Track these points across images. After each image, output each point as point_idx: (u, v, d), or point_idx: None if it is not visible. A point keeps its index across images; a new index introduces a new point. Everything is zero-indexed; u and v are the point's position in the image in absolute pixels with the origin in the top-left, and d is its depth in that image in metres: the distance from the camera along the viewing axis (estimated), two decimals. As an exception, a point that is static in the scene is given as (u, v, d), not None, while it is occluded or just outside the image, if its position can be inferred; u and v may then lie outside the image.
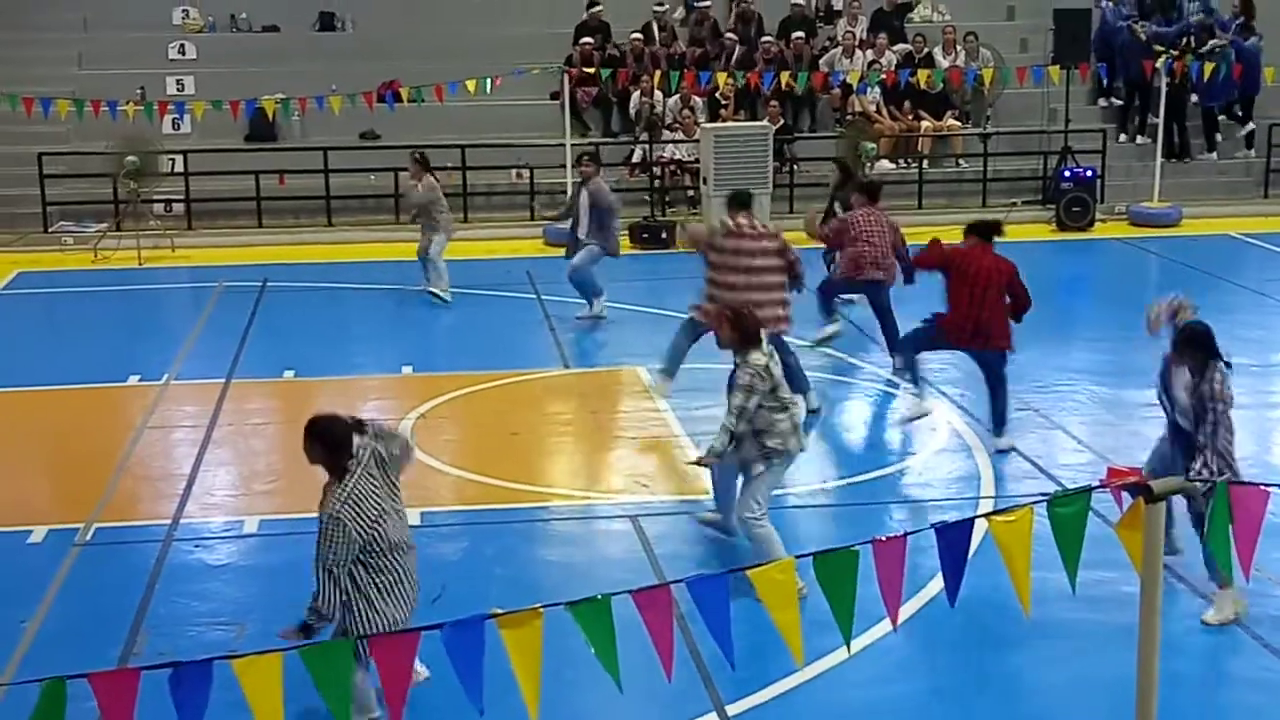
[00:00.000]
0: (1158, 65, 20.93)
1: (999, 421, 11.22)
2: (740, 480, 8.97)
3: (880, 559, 4.95)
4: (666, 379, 12.26)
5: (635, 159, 21.50)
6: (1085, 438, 11.55)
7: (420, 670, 7.04)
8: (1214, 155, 22.46)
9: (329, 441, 6.71)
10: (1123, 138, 22.61)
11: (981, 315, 10.95)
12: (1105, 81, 22.70)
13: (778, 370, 8.74)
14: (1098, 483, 5.04)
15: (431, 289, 16.08)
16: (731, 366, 8.72)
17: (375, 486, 6.69)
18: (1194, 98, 22.24)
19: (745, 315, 8.88)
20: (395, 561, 6.71)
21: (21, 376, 13.62)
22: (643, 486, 10.70)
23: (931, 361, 13.49)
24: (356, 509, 6.55)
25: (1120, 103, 22.88)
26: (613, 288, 15.50)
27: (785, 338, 11.58)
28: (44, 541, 9.59)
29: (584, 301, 15.26)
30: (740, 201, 11.91)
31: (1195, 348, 8.14)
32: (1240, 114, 22.66)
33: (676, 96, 21.57)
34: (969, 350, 11.38)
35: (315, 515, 9.60)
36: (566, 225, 15.82)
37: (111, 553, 9.48)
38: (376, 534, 6.60)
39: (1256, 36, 21.90)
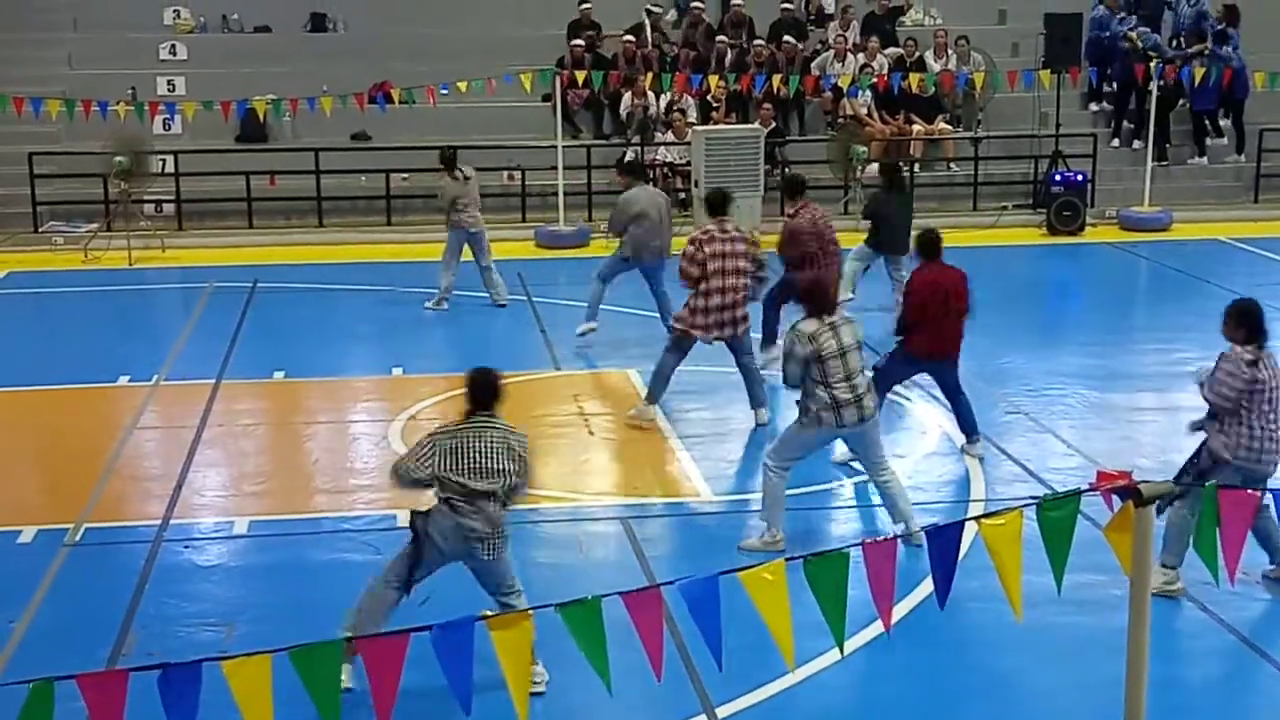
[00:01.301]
0: (1150, 69, 20.96)
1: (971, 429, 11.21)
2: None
3: (871, 561, 4.95)
4: (651, 405, 12.03)
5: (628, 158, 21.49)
6: (1075, 441, 11.56)
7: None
8: (1204, 159, 22.52)
9: (471, 385, 7.54)
10: (1115, 142, 22.65)
11: (950, 327, 10.89)
12: (1095, 84, 22.74)
13: (830, 342, 8.99)
14: (1087, 486, 5.05)
15: (428, 305, 15.94)
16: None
17: (477, 447, 7.32)
18: (1184, 102, 22.37)
19: (816, 286, 9.33)
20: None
21: (11, 376, 13.59)
22: (633, 489, 10.70)
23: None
24: (451, 444, 7.28)
25: (1111, 107, 22.93)
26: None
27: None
28: (33, 541, 9.57)
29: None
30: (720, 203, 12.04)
31: (1240, 321, 8.32)
32: (1229, 119, 22.72)
33: (667, 95, 21.61)
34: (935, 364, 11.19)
35: (304, 517, 9.68)
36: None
37: (101, 553, 9.46)
38: (452, 473, 7.26)
39: (1231, 45, 21.95)
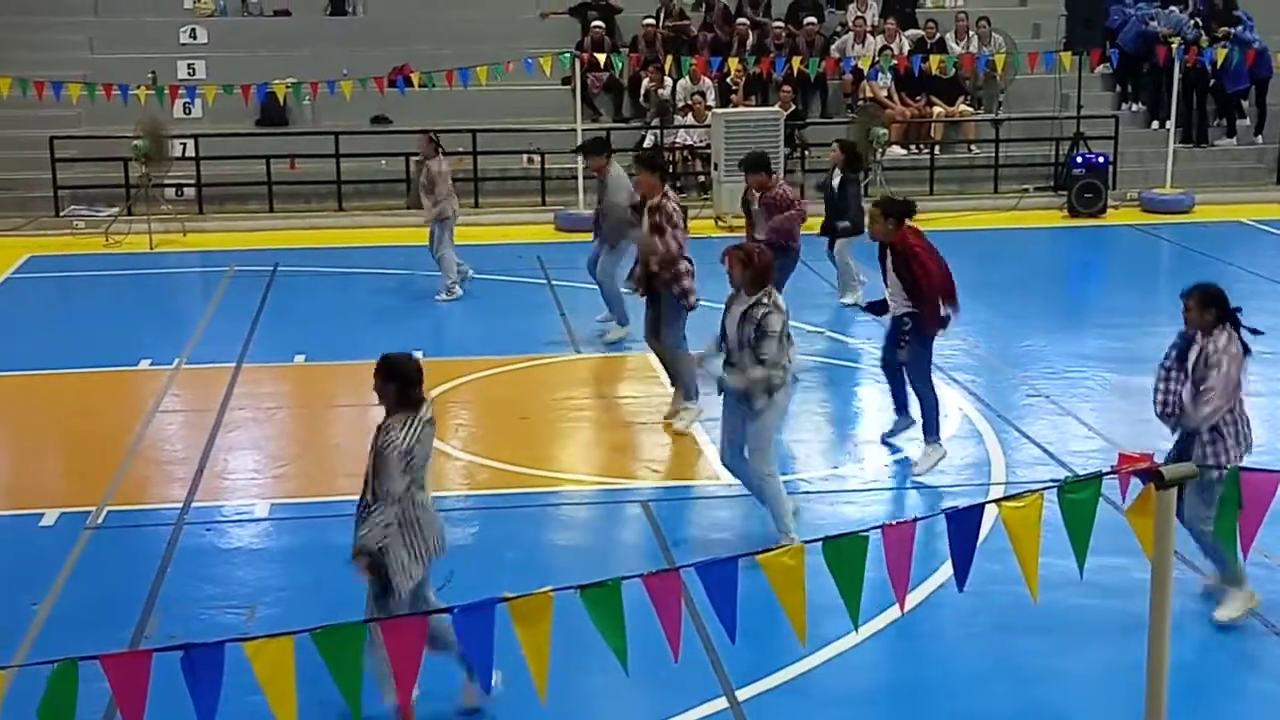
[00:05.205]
0: (1172, 51, 20.86)
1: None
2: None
3: (889, 544, 4.95)
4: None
5: (647, 144, 21.46)
6: (1096, 424, 11.53)
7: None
8: (1234, 140, 22.45)
9: (396, 376, 6.93)
10: (1155, 125, 22.41)
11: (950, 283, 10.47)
12: (1114, 66, 22.69)
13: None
14: (1109, 469, 5.03)
15: (439, 296, 15.78)
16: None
17: (426, 441, 6.88)
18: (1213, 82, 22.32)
19: (756, 255, 8.69)
20: (424, 512, 6.87)
21: (33, 360, 13.65)
22: (653, 471, 10.71)
23: (942, 349, 13.50)
24: (417, 447, 6.76)
25: (1120, 88, 22.92)
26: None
27: None
28: (56, 524, 9.61)
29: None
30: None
31: (1211, 305, 7.86)
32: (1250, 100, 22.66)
33: (686, 78, 21.57)
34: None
35: (325, 500, 9.66)
36: (588, 211, 15.57)
37: (123, 535, 9.50)
38: (420, 479, 6.80)
39: (1245, 26, 21.88)
